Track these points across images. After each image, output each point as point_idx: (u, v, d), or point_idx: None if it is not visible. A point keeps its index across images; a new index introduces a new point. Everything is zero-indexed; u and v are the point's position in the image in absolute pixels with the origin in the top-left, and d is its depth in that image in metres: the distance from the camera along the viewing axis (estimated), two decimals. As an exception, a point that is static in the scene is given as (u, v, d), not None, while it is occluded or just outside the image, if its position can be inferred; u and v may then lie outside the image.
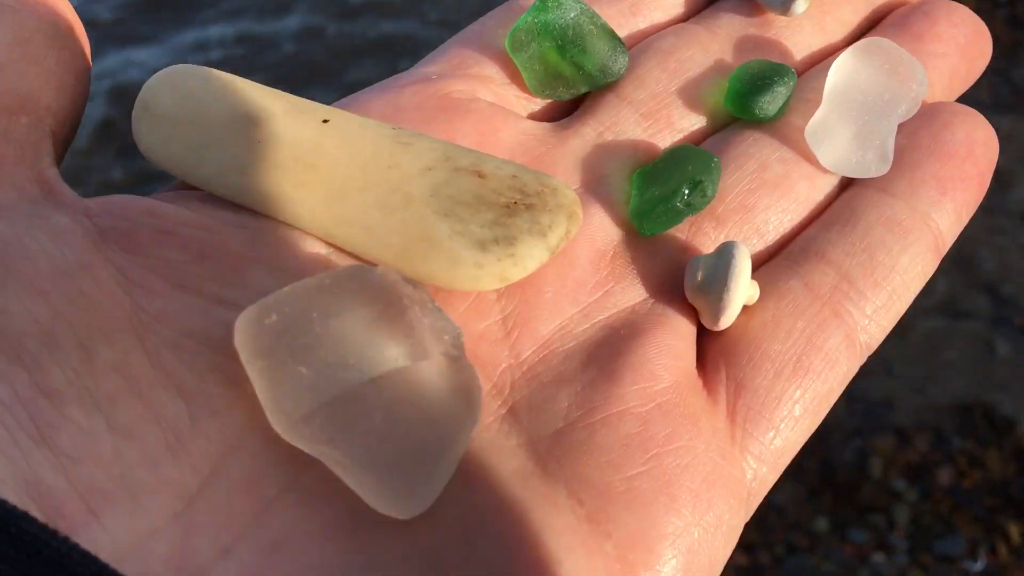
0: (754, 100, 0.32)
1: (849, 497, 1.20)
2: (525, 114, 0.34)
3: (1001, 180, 1.53)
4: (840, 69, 0.33)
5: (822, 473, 1.21)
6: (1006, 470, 1.22)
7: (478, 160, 0.29)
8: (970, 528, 1.17)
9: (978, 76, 0.37)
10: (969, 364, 1.30)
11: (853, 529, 1.17)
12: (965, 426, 1.25)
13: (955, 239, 0.33)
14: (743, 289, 0.29)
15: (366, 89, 0.33)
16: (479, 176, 0.29)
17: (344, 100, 0.33)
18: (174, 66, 0.30)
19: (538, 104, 0.34)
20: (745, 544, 1.12)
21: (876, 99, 0.32)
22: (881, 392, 1.29)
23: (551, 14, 0.32)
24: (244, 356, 0.24)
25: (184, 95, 0.29)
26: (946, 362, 1.31)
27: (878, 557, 1.14)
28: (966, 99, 0.37)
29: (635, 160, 0.32)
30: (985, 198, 0.34)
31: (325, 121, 0.29)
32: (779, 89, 0.33)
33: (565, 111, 0.35)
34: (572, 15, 0.33)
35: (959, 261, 1.44)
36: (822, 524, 1.17)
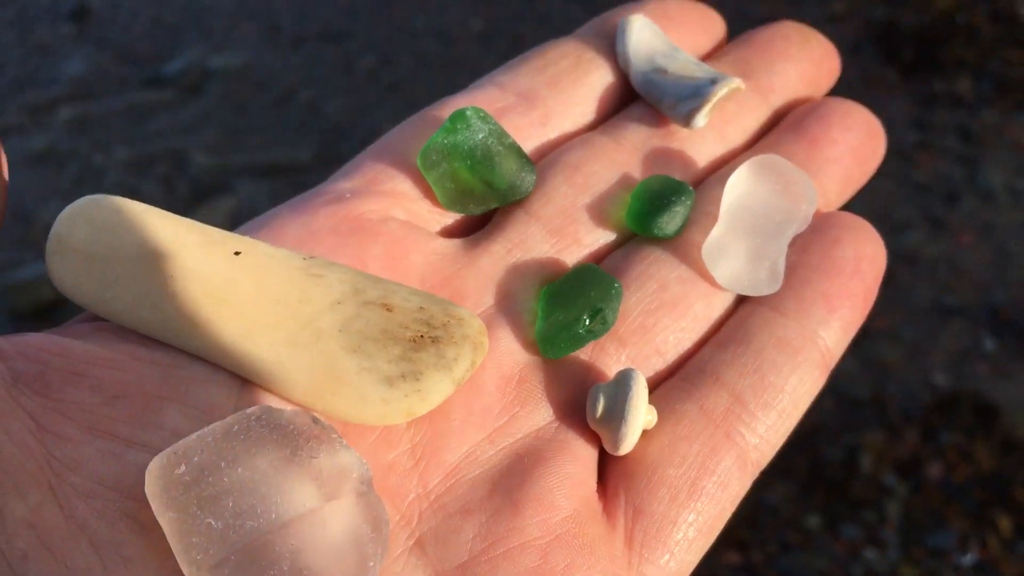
0: (654, 220, 0.34)
1: (840, 493, 1.20)
2: (438, 228, 0.35)
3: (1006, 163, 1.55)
4: (735, 188, 0.34)
5: (813, 470, 1.22)
6: (995, 463, 1.22)
7: (386, 292, 0.30)
8: (961, 521, 1.18)
9: (871, 175, 0.38)
10: (957, 358, 1.31)
11: (845, 525, 1.17)
12: (954, 420, 1.25)
13: (843, 352, 0.34)
14: (640, 418, 0.30)
15: (283, 206, 0.34)
16: (387, 309, 0.30)
17: (260, 218, 0.33)
18: (88, 197, 0.30)
19: (450, 218, 0.35)
20: (738, 542, 1.12)
21: (769, 219, 0.34)
22: (870, 388, 1.29)
23: (460, 135, 0.33)
24: (155, 507, 0.24)
25: (97, 228, 0.29)
26: (934, 356, 1.32)
27: (870, 552, 1.15)
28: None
29: (543, 277, 0.34)
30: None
31: (237, 253, 0.30)
32: (677, 209, 0.34)
33: (477, 224, 0.36)
34: (480, 136, 0.33)
35: (946, 259, 1.45)
36: (814, 521, 1.18)
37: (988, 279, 1.41)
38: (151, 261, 0.29)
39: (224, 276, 0.29)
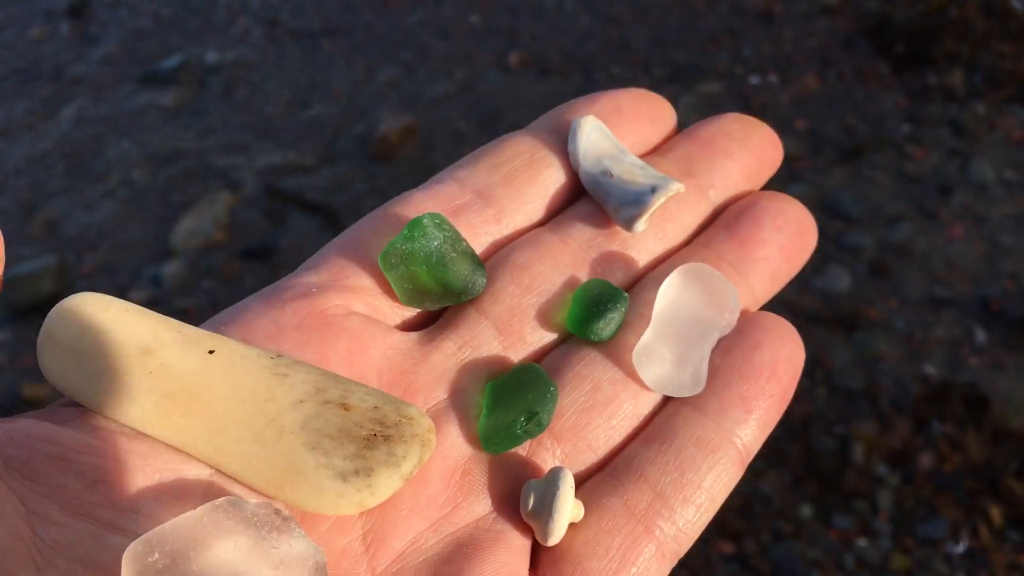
0: (590, 326, 0.37)
1: (833, 484, 1.22)
2: (397, 321, 0.38)
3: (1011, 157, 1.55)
4: (665, 295, 0.37)
5: (806, 461, 1.23)
6: (986, 453, 1.24)
7: (345, 392, 0.33)
8: (952, 511, 1.19)
9: (800, 268, 0.41)
10: (948, 349, 1.32)
11: (837, 515, 1.19)
12: (945, 411, 1.26)
13: (759, 447, 0.37)
14: (567, 513, 0.33)
15: (254, 298, 0.37)
16: (345, 408, 0.33)
17: (233, 309, 0.36)
18: (78, 295, 0.33)
19: (408, 312, 0.38)
20: (731, 532, 1.13)
21: (694, 327, 0.37)
22: (862, 379, 1.30)
23: (418, 243, 0.36)
24: None
25: (84, 326, 0.32)
26: (926, 347, 1.33)
27: (862, 542, 1.16)
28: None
29: (489, 373, 0.37)
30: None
31: (211, 352, 0.33)
32: (612, 316, 0.37)
33: (432, 317, 0.39)
34: (436, 243, 0.37)
35: (937, 251, 1.46)
36: (807, 511, 1.19)
37: (979, 271, 1.42)
38: (132, 358, 0.32)
39: (198, 374, 0.32)
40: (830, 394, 1.29)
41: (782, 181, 1.59)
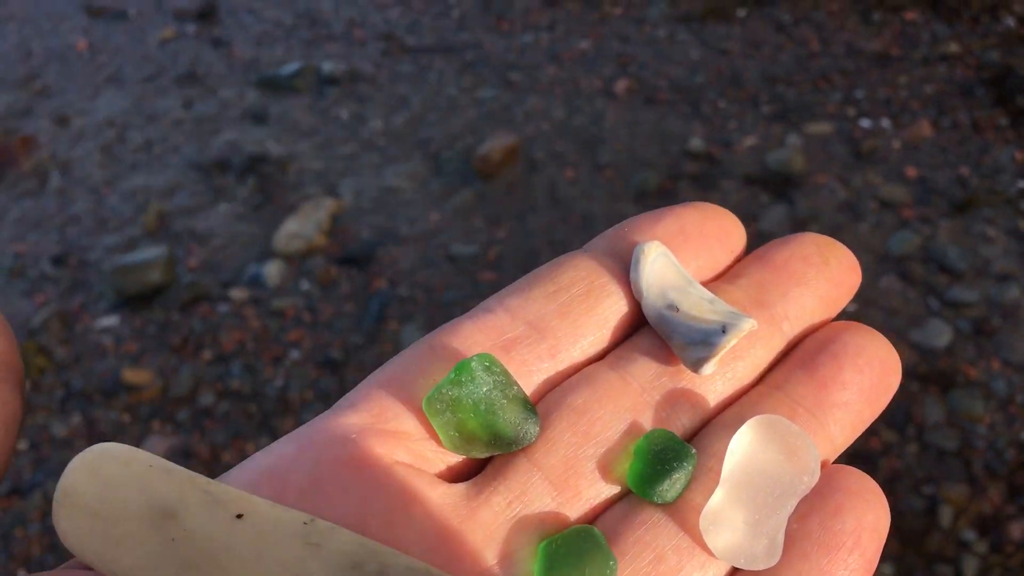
0: (655, 487, 0.34)
1: (917, 545, 1.18)
2: (442, 468, 0.36)
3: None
4: (737, 451, 0.34)
5: (890, 518, 1.20)
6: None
7: (383, 567, 0.30)
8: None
9: (881, 411, 0.37)
10: (1050, 417, 1.27)
11: (919, 577, 1.15)
12: (1042, 480, 1.21)
13: None
14: None
15: (290, 440, 0.35)
16: None
17: (265, 453, 0.34)
18: (96, 448, 0.31)
19: (454, 458, 0.36)
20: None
21: (770, 491, 0.34)
22: (956, 440, 1.26)
23: (465, 388, 0.34)
24: None
25: (103, 484, 0.30)
26: (1021, 411, 1.28)
27: (943, 608, 1.12)
28: None
29: (542, 532, 0.34)
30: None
31: (239, 516, 0.31)
32: (677, 476, 0.34)
33: (480, 463, 0.36)
34: (485, 389, 0.34)
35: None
36: (887, 570, 1.15)
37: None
38: (154, 522, 0.30)
39: (224, 542, 0.30)
40: (921, 451, 1.25)
41: (888, 229, 1.56)
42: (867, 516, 0.34)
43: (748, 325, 0.36)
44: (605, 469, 0.35)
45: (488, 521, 0.34)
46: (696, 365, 0.36)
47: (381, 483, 0.33)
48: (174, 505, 0.30)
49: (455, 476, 0.36)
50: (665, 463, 0.34)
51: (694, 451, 0.35)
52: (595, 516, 0.35)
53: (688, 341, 0.37)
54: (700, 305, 0.38)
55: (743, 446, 0.34)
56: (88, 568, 0.30)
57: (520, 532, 0.34)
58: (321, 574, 0.30)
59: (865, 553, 0.33)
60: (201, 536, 0.30)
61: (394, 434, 0.35)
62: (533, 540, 0.34)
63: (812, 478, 0.34)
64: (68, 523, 0.30)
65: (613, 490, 0.35)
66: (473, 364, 0.34)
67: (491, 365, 0.35)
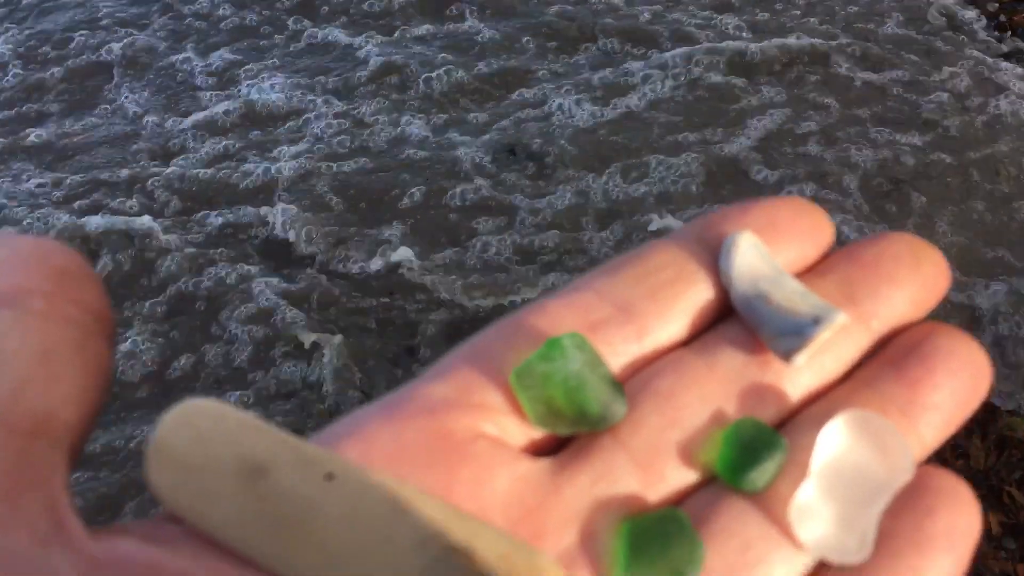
0: (744, 474, 0.34)
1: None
2: (525, 442, 0.36)
3: None
4: (828, 444, 0.34)
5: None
6: (988, 460, 1.26)
7: (471, 535, 0.31)
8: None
9: (971, 413, 0.37)
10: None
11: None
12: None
13: None
14: None
15: (374, 408, 0.35)
16: (470, 556, 0.30)
17: (350, 419, 0.34)
18: (189, 402, 0.31)
19: (537, 433, 0.36)
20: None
21: (862, 487, 0.34)
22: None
23: (556, 364, 0.34)
24: None
25: (195, 438, 0.31)
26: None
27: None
28: None
29: (625, 512, 0.34)
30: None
31: (329, 476, 0.31)
32: (768, 465, 0.34)
33: (563, 442, 0.36)
34: (575, 366, 0.34)
35: None
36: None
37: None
38: (245, 477, 0.30)
39: (314, 501, 0.31)
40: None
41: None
42: (960, 519, 0.34)
43: (841, 318, 0.36)
44: (690, 455, 0.35)
45: (572, 498, 0.34)
46: (787, 355, 0.36)
47: (466, 453, 0.33)
48: (265, 462, 0.31)
49: (538, 452, 0.36)
50: (756, 451, 0.34)
51: (785, 441, 0.35)
52: (679, 501, 0.35)
53: (780, 332, 0.37)
54: (792, 296, 0.38)
55: (835, 439, 0.34)
56: (178, 521, 0.30)
57: (604, 511, 0.34)
58: (409, 537, 0.30)
59: (958, 555, 0.33)
60: (291, 494, 0.30)
61: (480, 407, 0.35)
62: (617, 520, 0.33)
63: (906, 475, 0.33)
64: (160, 476, 0.30)
65: (698, 476, 0.35)
66: (564, 341, 0.35)
67: (581, 344, 0.35)
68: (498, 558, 0.31)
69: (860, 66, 2.14)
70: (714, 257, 0.39)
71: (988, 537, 1.18)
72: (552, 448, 0.36)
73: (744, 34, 2.25)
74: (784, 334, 0.36)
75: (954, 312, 1.49)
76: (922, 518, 0.34)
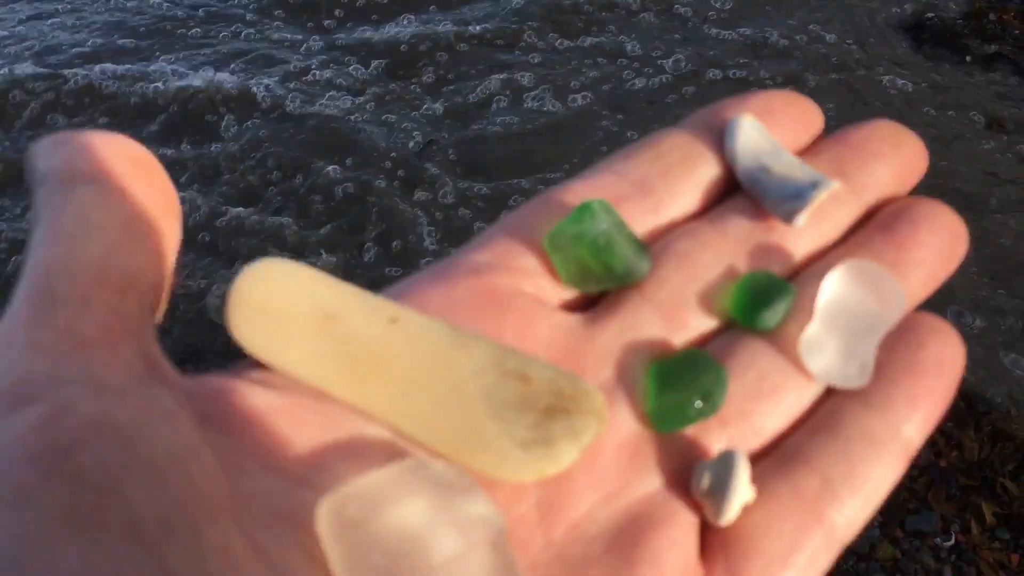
0: (758, 315, 0.37)
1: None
2: (558, 301, 0.39)
3: None
4: (831, 288, 0.38)
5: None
6: (982, 452, 1.25)
7: (523, 364, 0.34)
8: (944, 506, 1.20)
9: (952, 273, 0.42)
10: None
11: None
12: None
13: (922, 444, 0.38)
14: (742, 495, 0.34)
15: (424, 273, 0.38)
16: (523, 381, 0.33)
17: (404, 283, 0.38)
18: (267, 260, 0.34)
19: (569, 293, 0.39)
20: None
21: (861, 320, 0.38)
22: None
23: (586, 224, 0.37)
24: (326, 542, 0.28)
25: (272, 289, 0.33)
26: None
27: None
28: None
29: (653, 355, 0.37)
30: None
31: (393, 320, 0.34)
32: (779, 306, 0.38)
33: (593, 299, 0.40)
34: (604, 227, 0.37)
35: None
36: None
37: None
38: (318, 322, 0.33)
39: (381, 340, 0.33)
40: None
41: None
42: (947, 349, 0.38)
43: (835, 185, 0.40)
44: (709, 304, 0.39)
45: (604, 344, 0.37)
46: (790, 216, 0.40)
47: (510, 306, 0.36)
48: (336, 309, 0.33)
49: (569, 309, 0.39)
50: (767, 294, 0.38)
51: (792, 286, 0.39)
52: (700, 345, 0.39)
53: (782, 196, 0.40)
54: (790, 167, 0.42)
55: (836, 284, 0.38)
56: (260, 366, 0.33)
57: (633, 354, 0.37)
58: (468, 368, 0.33)
59: (946, 380, 0.37)
60: (360, 336, 0.33)
61: (518, 269, 0.38)
62: (645, 361, 0.37)
63: (899, 311, 0.38)
64: (240, 319, 0.33)
65: (715, 323, 0.39)
66: (594, 206, 0.37)
67: (608, 208, 0.38)
68: (548, 381, 0.34)
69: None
70: (719, 140, 0.43)
71: (982, 528, 1.17)
72: (583, 307, 0.39)
73: None
74: (786, 199, 0.40)
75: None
76: (914, 350, 0.38)
